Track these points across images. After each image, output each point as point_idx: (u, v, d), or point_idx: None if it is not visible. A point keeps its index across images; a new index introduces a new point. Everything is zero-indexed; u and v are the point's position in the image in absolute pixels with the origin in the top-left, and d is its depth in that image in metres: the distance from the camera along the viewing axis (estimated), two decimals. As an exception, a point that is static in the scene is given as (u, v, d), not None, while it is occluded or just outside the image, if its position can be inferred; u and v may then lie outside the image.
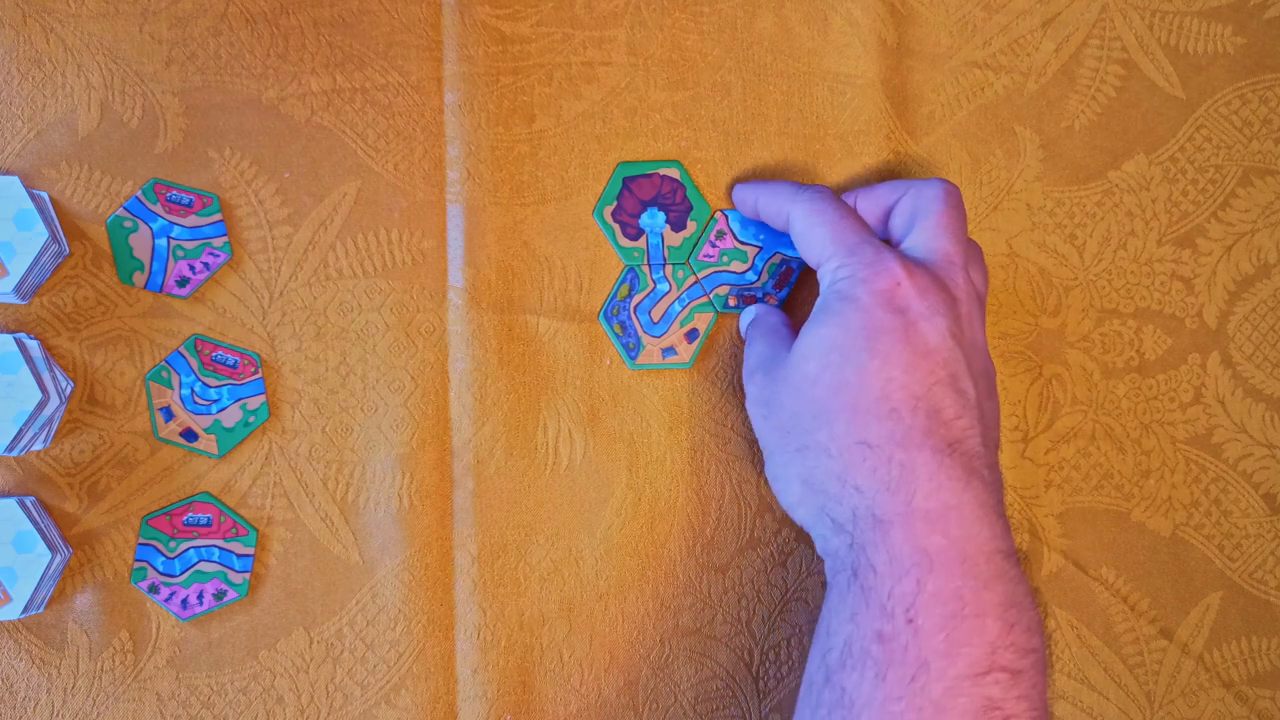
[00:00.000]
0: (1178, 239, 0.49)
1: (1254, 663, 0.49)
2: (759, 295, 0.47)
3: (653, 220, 0.47)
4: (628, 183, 0.47)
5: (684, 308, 0.47)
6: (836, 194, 0.44)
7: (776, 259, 0.47)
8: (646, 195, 0.47)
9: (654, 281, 0.47)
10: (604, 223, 0.47)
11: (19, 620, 0.45)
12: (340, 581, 0.46)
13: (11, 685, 0.45)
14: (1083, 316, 0.49)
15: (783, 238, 0.47)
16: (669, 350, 0.47)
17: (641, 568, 0.47)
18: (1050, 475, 0.49)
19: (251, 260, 0.46)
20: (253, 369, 0.46)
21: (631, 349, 0.47)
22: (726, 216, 0.47)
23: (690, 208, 0.47)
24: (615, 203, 0.47)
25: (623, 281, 0.47)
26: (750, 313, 0.47)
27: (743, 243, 0.47)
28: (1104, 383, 0.49)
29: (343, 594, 0.46)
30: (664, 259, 0.47)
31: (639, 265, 0.47)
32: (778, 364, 0.43)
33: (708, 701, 0.47)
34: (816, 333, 0.41)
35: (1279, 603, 0.49)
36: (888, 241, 0.44)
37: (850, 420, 0.39)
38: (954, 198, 0.43)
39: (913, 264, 0.41)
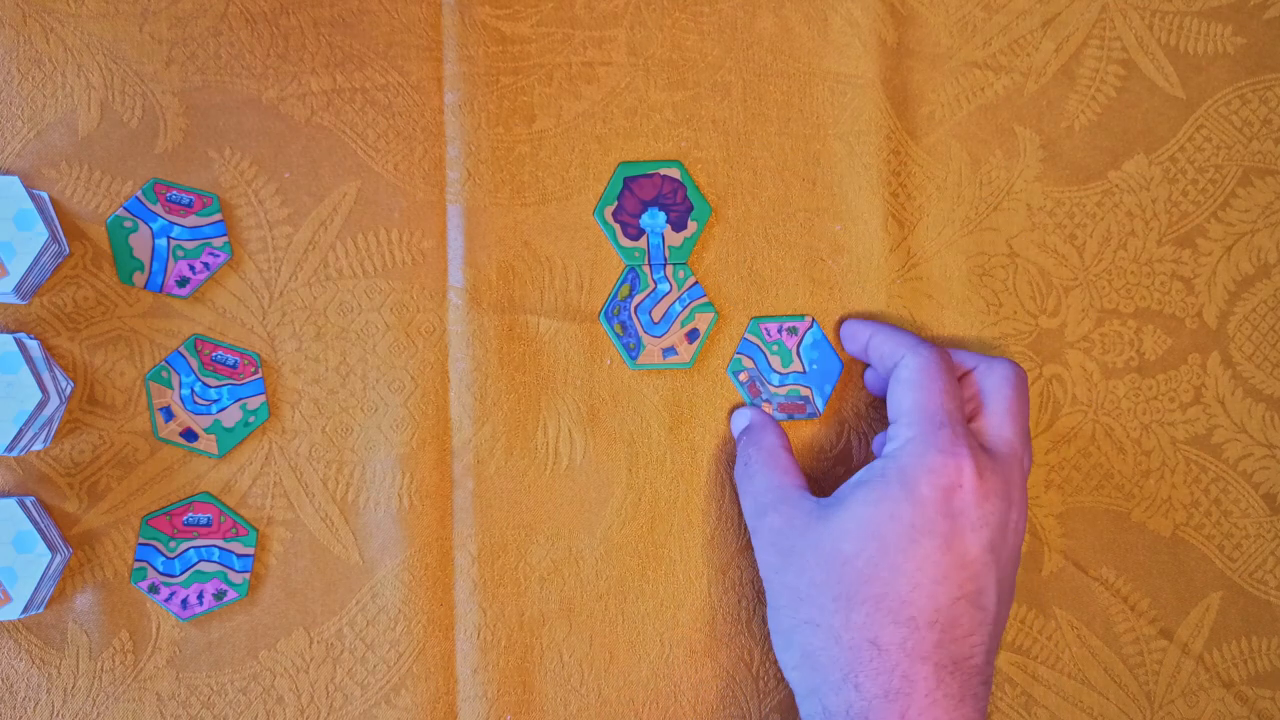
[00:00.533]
0: (1178, 239, 0.49)
1: (1254, 663, 0.49)
2: (763, 396, 0.47)
3: (653, 220, 0.47)
4: (628, 183, 0.47)
5: (685, 308, 0.47)
6: (949, 361, 0.43)
7: (804, 391, 0.47)
8: (647, 195, 0.47)
9: (655, 281, 0.47)
10: (605, 223, 0.47)
11: (19, 620, 0.45)
12: (340, 581, 0.46)
13: (11, 685, 0.45)
14: (1083, 316, 0.49)
15: (825, 387, 0.47)
16: (669, 350, 0.47)
17: (641, 568, 0.47)
18: (1050, 475, 0.49)
19: (251, 260, 0.46)
20: (253, 369, 0.46)
21: (632, 349, 0.47)
22: (813, 325, 0.47)
23: (691, 208, 0.47)
24: (616, 203, 0.47)
25: (623, 281, 0.47)
26: (744, 416, 0.47)
27: (799, 354, 0.47)
28: (1104, 383, 0.49)
29: (343, 594, 0.46)
30: (665, 259, 0.47)
31: (640, 265, 0.47)
32: (803, 514, 0.42)
33: (708, 701, 0.47)
34: (863, 512, 0.40)
35: (1279, 603, 0.49)
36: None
37: (869, 616, 0.39)
38: (1023, 382, 0.43)
39: (983, 461, 0.40)
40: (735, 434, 0.47)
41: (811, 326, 0.47)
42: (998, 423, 0.42)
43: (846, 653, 0.39)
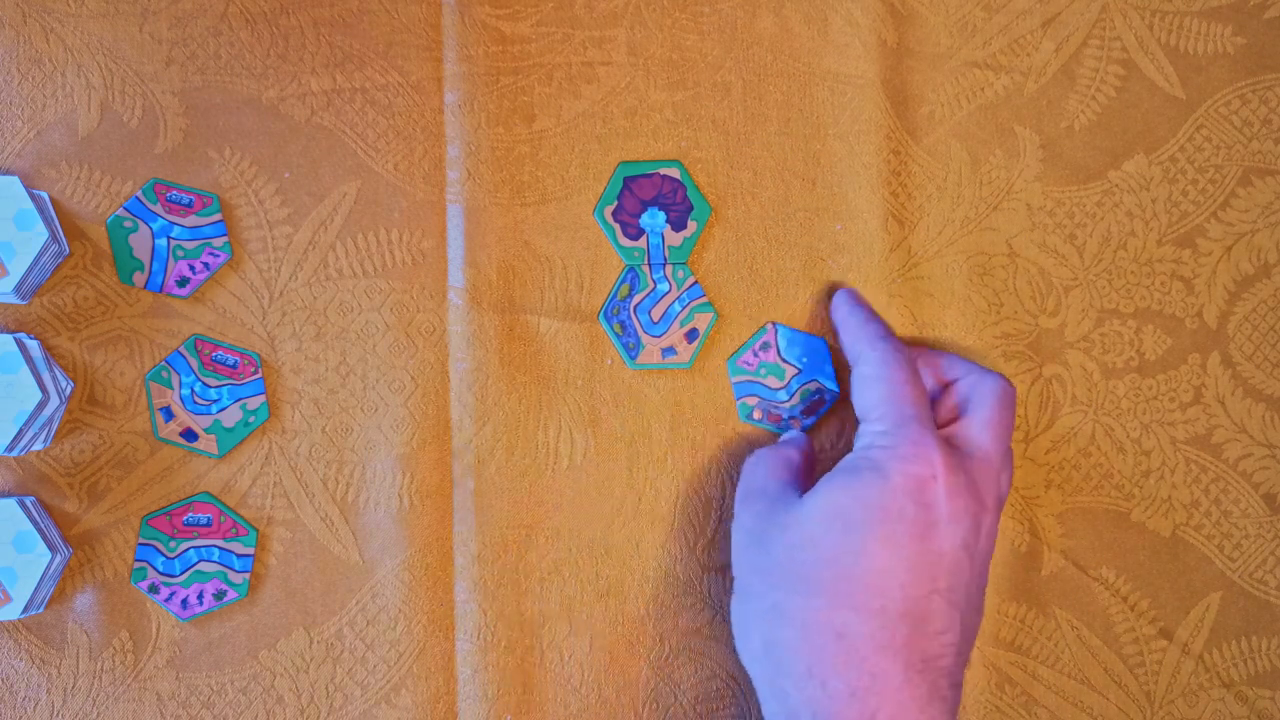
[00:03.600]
0: (1178, 239, 0.49)
1: (1254, 663, 0.49)
2: (784, 417, 0.47)
3: (653, 220, 0.47)
4: (628, 182, 0.47)
5: (684, 308, 0.47)
6: (909, 352, 0.43)
7: (812, 385, 0.47)
8: (647, 195, 0.47)
9: (654, 281, 0.47)
10: (604, 222, 0.47)
11: (19, 620, 0.45)
12: (340, 581, 0.46)
13: (11, 685, 0.45)
14: (1083, 316, 0.49)
15: (824, 368, 0.47)
16: (669, 350, 0.47)
17: (641, 568, 0.47)
18: (1050, 475, 0.49)
19: (251, 260, 0.46)
20: (253, 369, 0.46)
21: (631, 349, 0.47)
22: (777, 330, 0.47)
23: (691, 207, 0.47)
24: (616, 202, 0.47)
25: (623, 281, 0.47)
26: (792, 434, 0.46)
27: (785, 360, 0.47)
28: (1104, 383, 0.49)
29: (343, 594, 0.46)
30: (664, 259, 0.47)
31: (639, 265, 0.47)
32: (783, 505, 0.41)
33: (708, 701, 0.47)
34: (832, 495, 0.39)
35: (1279, 603, 0.49)
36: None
37: (833, 603, 0.38)
38: (1010, 398, 0.42)
39: (955, 459, 0.39)
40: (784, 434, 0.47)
41: (776, 330, 0.47)
42: (976, 431, 0.41)
43: (810, 644, 0.38)
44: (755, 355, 0.47)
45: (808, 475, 0.44)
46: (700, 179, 0.48)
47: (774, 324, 0.47)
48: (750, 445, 0.48)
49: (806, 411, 0.47)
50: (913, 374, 0.41)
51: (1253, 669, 0.49)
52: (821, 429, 0.48)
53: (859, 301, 0.46)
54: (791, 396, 0.47)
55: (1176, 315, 0.49)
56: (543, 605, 0.47)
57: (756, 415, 0.47)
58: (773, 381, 0.47)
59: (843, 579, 0.38)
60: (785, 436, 0.47)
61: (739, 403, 0.47)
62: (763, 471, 0.44)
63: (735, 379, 0.47)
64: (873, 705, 0.37)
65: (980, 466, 0.40)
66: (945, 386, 0.44)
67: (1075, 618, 0.48)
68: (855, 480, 0.39)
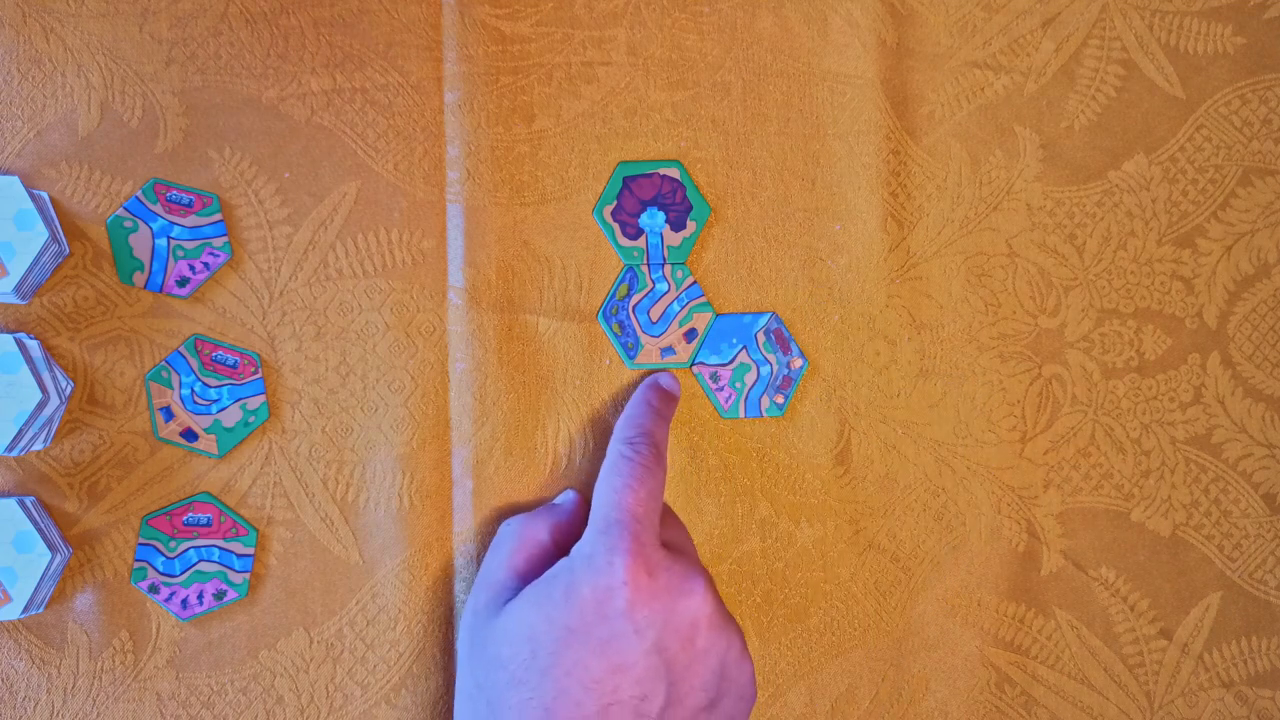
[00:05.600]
0: (1178, 239, 0.49)
1: (1254, 663, 0.49)
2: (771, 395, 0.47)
3: (652, 220, 0.47)
4: (628, 182, 0.47)
5: (683, 308, 0.47)
6: (657, 451, 0.42)
7: (795, 364, 0.47)
8: (646, 195, 0.47)
9: (653, 281, 0.47)
10: (604, 222, 0.47)
11: (19, 620, 0.45)
12: (340, 581, 0.46)
13: (11, 685, 0.45)
14: (1083, 316, 0.49)
15: (751, 340, 0.47)
16: (668, 350, 0.47)
17: (641, 568, 0.47)
18: (1050, 475, 0.49)
19: (251, 260, 0.46)
20: (253, 369, 0.46)
21: (630, 349, 0.47)
22: (711, 324, 0.47)
23: (690, 208, 0.47)
24: (615, 202, 0.47)
25: (621, 281, 0.47)
26: (563, 496, 0.46)
27: (775, 348, 0.47)
28: (1104, 383, 0.49)
29: (343, 594, 0.46)
30: (663, 259, 0.47)
31: (638, 265, 0.47)
32: (494, 609, 0.41)
33: (707, 701, 0.47)
34: (523, 614, 0.39)
35: (1279, 603, 0.49)
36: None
37: None
38: None
39: (657, 559, 0.39)
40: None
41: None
42: (684, 536, 0.41)
43: None
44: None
45: (560, 555, 0.43)
46: (700, 179, 0.48)
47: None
48: (746, 440, 0.48)
49: (783, 386, 0.47)
50: (639, 477, 0.40)
51: (1253, 669, 0.49)
52: (821, 427, 0.48)
53: (645, 392, 0.45)
54: (795, 358, 0.47)
55: (1176, 315, 0.49)
56: (542, 605, 0.47)
57: (779, 401, 0.47)
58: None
59: (521, 700, 0.38)
60: (557, 499, 0.46)
61: (770, 401, 0.47)
62: (503, 552, 0.43)
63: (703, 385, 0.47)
64: None
65: (693, 556, 0.41)
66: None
67: (1075, 618, 0.48)
68: (549, 595, 0.39)
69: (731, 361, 0.47)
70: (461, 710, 0.41)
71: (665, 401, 0.45)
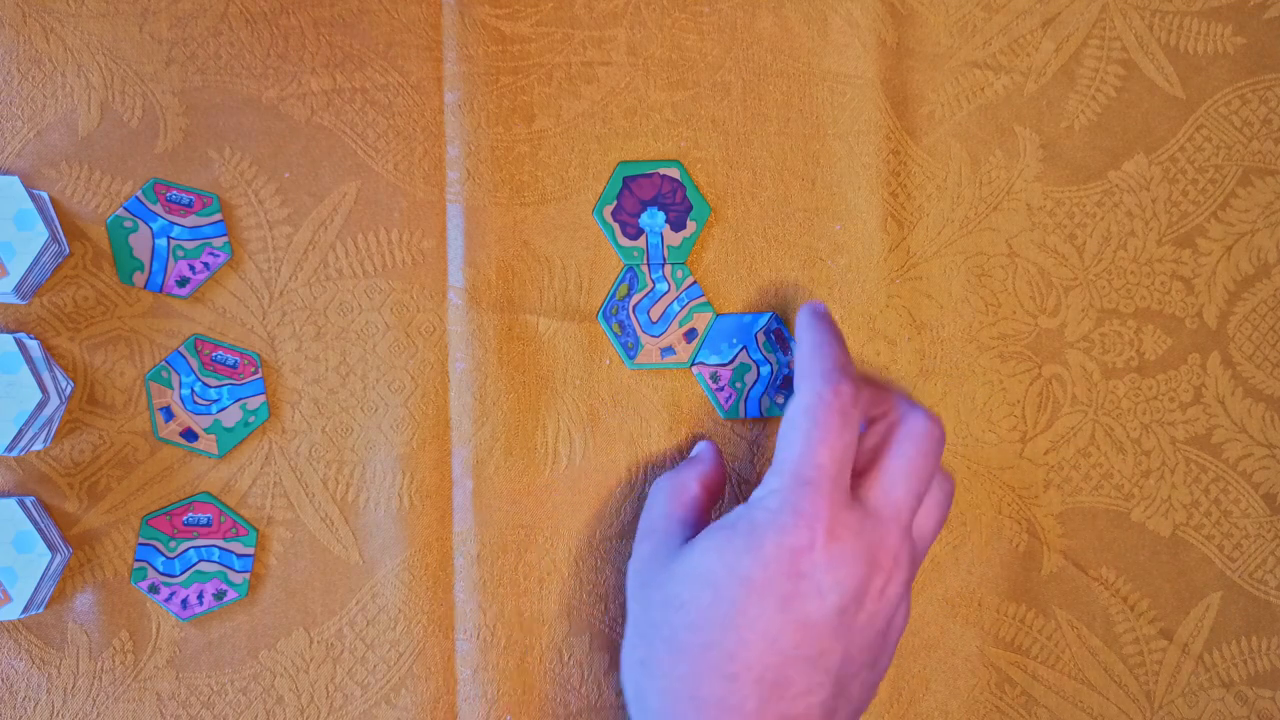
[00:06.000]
0: (1178, 239, 0.49)
1: (1254, 663, 0.49)
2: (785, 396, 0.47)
3: (652, 220, 0.47)
4: (628, 182, 0.47)
5: (683, 307, 0.47)
6: (849, 395, 0.39)
7: (746, 360, 0.47)
8: (646, 195, 0.47)
9: (653, 281, 0.47)
10: (604, 222, 0.47)
11: (19, 620, 0.45)
12: (340, 581, 0.46)
13: (11, 685, 0.45)
14: (1083, 316, 0.49)
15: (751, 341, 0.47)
16: (668, 350, 0.47)
17: (641, 568, 0.47)
18: (1050, 475, 0.49)
19: (251, 260, 0.46)
20: (253, 369, 0.46)
21: (630, 348, 0.47)
22: (712, 322, 0.47)
23: (690, 207, 0.47)
24: (615, 202, 0.47)
25: (622, 281, 0.47)
26: (697, 449, 0.46)
27: (778, 345, 0.47)
28: (1104, 383, 0.49)
29: (343, 594, 0.46)
30: (663, 259, 0.47)
31: (638, 265, 0.47)
32: (665, 553, 0.40)
33: (707, 701, 0.47)
34: (705, 558, 0.38)
35: (1279, 603, 0.49)
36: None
37: (692, 667, 0.38)
38: (933, 441, 0.40)
39: (846, 523, 0.37)
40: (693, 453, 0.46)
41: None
42: (888, 482, 0.39)
43: (669, 702, 0.38)
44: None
45: (711, 500, 0.44)
46: (700, 179, 0.48)
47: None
48: (750, 443, 0.48)
49: (784, 386, 0.47)
50: (836, 429, 0.38)
51: (1253, 669, 0.49)
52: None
53: (819, 321, 0.42)
54: (766, 381, 0.47)
55: (1176, 315, 0.49)
56: (542, 605, 0.47)
57: (779, 400, 0.47)
58: (774, 358, 0.47)
59: (705, 645, 0.38)
60: (695, 452, 0.46)
61: (772, 404, 0.47)
62: (660, 505, 0.43)
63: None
64: None
65: (881, 526, 0.38)
66: (871, 422, 0.41)
67: (1075, 618, 0.48)
68: (730, 543, 0.38)
69: (732, 361, 0.47)
70: (634, 645, 0.41)
71: (836, 328, 0.43)
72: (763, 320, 0.47)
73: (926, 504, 0.41)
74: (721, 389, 0.47)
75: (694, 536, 0.40)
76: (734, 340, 0.47)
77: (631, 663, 0.41)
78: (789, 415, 0.39)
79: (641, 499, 0.47)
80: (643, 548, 0.42)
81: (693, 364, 0.47)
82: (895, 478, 0.39)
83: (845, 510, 0.38)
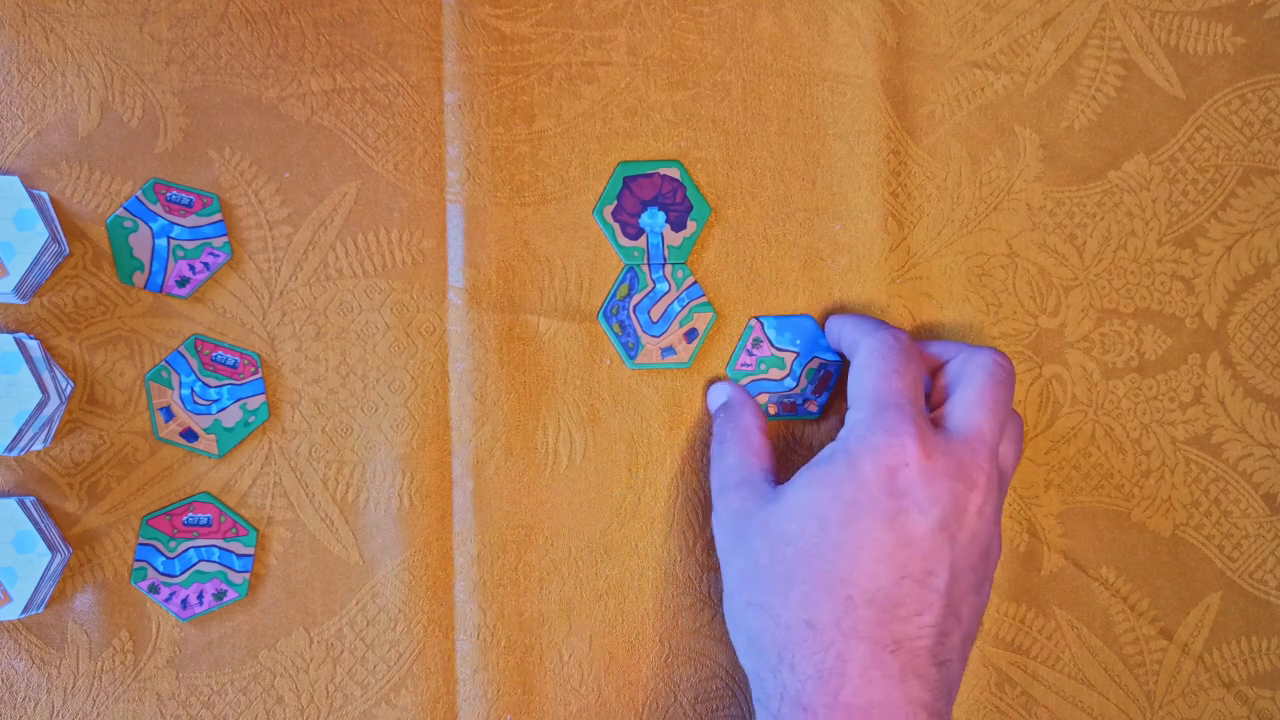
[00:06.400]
0: (1178, 239, 0.49)
1: (1254, 663, 0.49)
2: (799, 402, 0.47)
3: (653, 220, 0.47)
4: (628, 182, 0.47)
5: (683, 308, 0.47)
6: (906, 341, 0.42)
7: (815, 364, 0.47)
8: (647, 195, 0.47)
9: (653, 281, 0.47)
10: (604, 222, 0.47)
11: (19, 620, 0.45)
12: (340, 581, 0.46)
13: (11, 685, 0.45)
14: (1083, 316, 0.49)
15: (818, 342, 0.47)
16: (668, 350, 0.47)
17: (641, 568, 0.47)
18: (1050, 475, 0.49)
19: (251, 260, 0.46)
20: (253, 369, 0.46)
21: (631, 348, 0.47)
22: (762, 323, 0.47)
23: (690, 207, 0.47)
24: (615, 202, 0.47)
25: (622, 281, 0.47)
26: (722, 392, 0.46)
27: (779, 349, 0.47)
28: (1104, 383, 0.49)
29: (343, 594, 0.46)
30: (664, 259, 0.47)
31: (639, 265, 0.47)
32: (758, 499, 0.42)
33: (707, 701, 0.47)
34: (807, 492, 0.40)
35: (1279, 603, 0.49)
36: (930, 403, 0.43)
37: (806, 594, 0.39)
38: (1002, 370, 0.42)
39: (935, 443, 0.39)
40: (712, 409, 0.47)
41: (762, 324, 0.47)
42: (965, 408, 0.41)
43: (784, 633, 0.39)
44: (750, 354, 0.47)
45: (768, 440, 0.45)
46: (700, 179, 0.48)
47: (757, 318, 0.47)
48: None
49: (817, 389, 0.47)
50: (904, 363, 0.41)
51: (1253, 669, 0.49)
52: (824, 424, 0.48)
53: (848, 316, 0.46)
54: (799, 381, 0.47)
55: (1176, 315, 0.49)
56: (542, 605, 0.47)
57: (772, 410, 0.47)
58: (775, 373, 0.47)
59: (815, 572, 0.39)
60: (725, 399, 0.46)
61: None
62: (732, 457, 0.44)
63: (740, 383, 0.47)
64: (835, 684, 0.38)
65: (968, 446, 0.40)
66: (937, 369, 0.44)
67: (1075, 618, 0.48)
68: (829, 473, 0.40)
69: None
70: (737, 592, 0.41)
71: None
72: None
73: (1006, 436, 0.42)
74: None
75: (774, 477, 0.42)
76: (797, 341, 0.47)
77: (738, 609, 0.41)
78: (855, 366, 0.42)
79: (641, 500, 0.47)
80: (729, 500, 0.43)
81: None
82: (973, 404, 0.41)
83: (931, 431, 0.40)
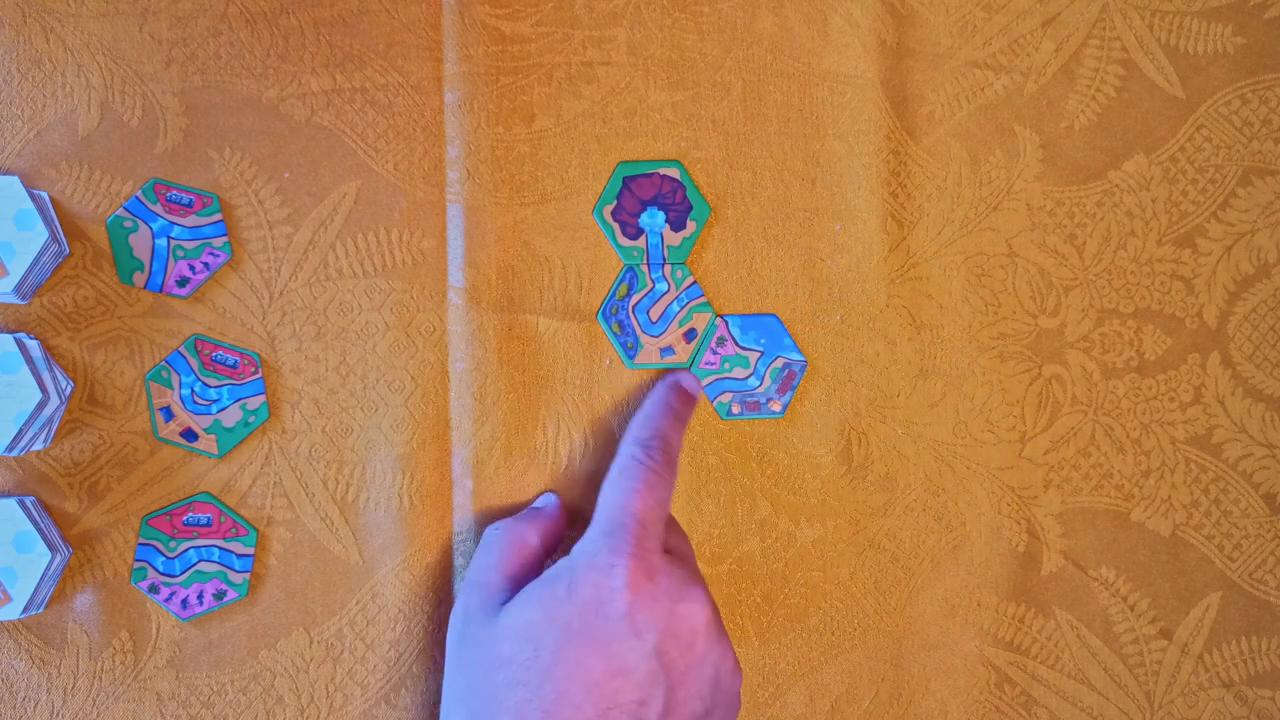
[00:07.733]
0: (1178, 239, 0.49)
1: (1254, 663, 0.49)
2: (762, 401, 0.47)
3: (652, 220, 0.47)
4: (628, 182, 0.47)
5: (682, 308, 0.47)
6: (669, 456, 0.42)
7: (779, 363, 0.47)
8: (646, 195, 0.47)
9: (653, 281, 0.47)
10: (604, 222, 0.47)
11: (19, 620, 0.45)
12: (340, 581, 0.46)
13: (11, 685, 0.45)
14: (1083, 316, 0.49)
15: (783, 342, 0.47)
16: (667, 350, 0.47)
17: (641, 568, 0.47)
18: (1050, 475, 0.49)
19: (251, 260, 0.46)
20: (253, 369, 0.46)
21: (630, 348, 0.47)
22: (726, 322, 0.47)
23: (690, 207, 0.47)
24: (615, 202, 0.47)
25: (621, 281, 0.47)
26: (540, 500, 0.46)
27: (743, 348, 0.47)
28: (1104, 383, 0.49)
29: (343, 594, 0.46)
30: (663, 259, 0.47)
31: (638, 265, 0.47)
32: (488, 611, 0.40)
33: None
34: (527, 613, 0.39)
35: (1279, 603, 0.49)
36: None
37: None
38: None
39: (659, 566, 0.39)
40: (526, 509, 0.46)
41: (725, 322, 0.47)
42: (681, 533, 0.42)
43: None
44: (714, 353, 0.47)
45: (547, 554, 0.44)
46: (700, 179, 0.48)
47: (721, 316, 0.47)
48: (746, 440, 0.48)
49: (781, 389, 0.47)
50: (653, 480, 0.41)
51: (1253, 669, 0.49)
52: (821, 428, 0.48)
53: (669, 393, 0.45)
54: (762, 380, 0.47)
55: (1176, 315, 0.49)
56: (542, 605, 0.47)
57: (735, 409, 0.47)
58: (739, 372, 0.47)
59: (521, 701, 0.38)
60: (536, 503, 0.46)
61: (715, 403, 0.47)
62: (492, 555, 0.43)
63: (704, 381, 0.47)
64: None
65: (689, 562, 0.41)
66: None
67: (1075, 618, 0.48)
68: (548, 594, 0.39)
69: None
70: (450, 712, 0.40)
71: (685, 403, 0.45)
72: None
73: (669, 530, 0.43)
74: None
75: (511, 594, 0.41)
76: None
77: (451, 714, 0.40)
78: (609, 475, 0.41)
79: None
80: (469, 600, 0.42)
81: (692, 366, 0.47)
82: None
83: (657, 554, 0.39)
